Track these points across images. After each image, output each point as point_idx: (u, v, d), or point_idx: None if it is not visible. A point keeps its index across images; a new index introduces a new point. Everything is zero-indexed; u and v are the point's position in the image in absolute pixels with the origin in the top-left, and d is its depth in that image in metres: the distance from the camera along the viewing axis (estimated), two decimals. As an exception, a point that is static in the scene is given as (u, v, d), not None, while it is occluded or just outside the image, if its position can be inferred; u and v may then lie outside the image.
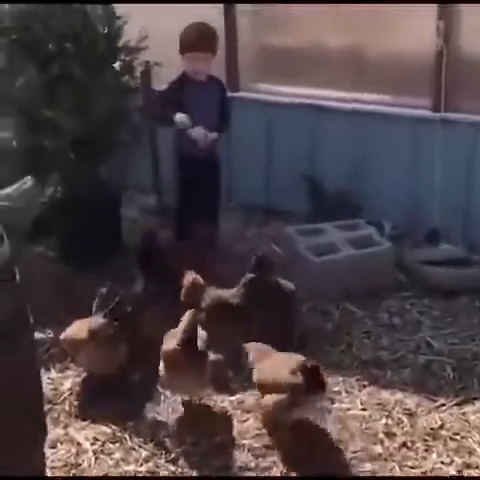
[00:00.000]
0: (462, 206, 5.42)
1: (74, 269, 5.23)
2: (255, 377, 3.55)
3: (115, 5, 5.02)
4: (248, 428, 3.60)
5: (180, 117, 4.78)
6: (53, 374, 4.16)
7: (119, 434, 3.60)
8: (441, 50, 5.21)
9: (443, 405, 3.71)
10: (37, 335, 4.25)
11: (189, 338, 3.49)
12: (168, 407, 3.77)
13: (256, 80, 6.19)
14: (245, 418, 3.67)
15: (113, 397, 3.81)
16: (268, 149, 6.11)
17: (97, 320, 3.85)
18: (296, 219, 5.85)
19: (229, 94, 5.98)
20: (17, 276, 2.24)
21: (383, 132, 5.61)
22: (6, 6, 4.72)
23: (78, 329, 3.90)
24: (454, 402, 3.73)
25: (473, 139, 5.26)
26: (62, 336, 3.98)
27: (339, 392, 3.84)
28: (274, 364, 3.48)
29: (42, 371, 3.70)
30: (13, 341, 2.18)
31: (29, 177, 4.74)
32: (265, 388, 3.46)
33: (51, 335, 4.50)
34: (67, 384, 4.06)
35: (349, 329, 4.43)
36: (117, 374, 3.88)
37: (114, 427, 3.65)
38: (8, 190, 4.68)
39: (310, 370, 3.28)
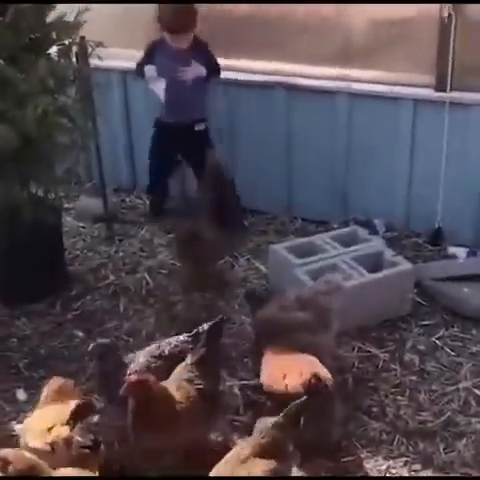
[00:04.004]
0: (472, 201, 4.57)
1: (7, 308, 4.22)
2: None
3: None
4: None
5: (149, 69, 4.80)
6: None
7: None
8: (449, 17, 4.29)
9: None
10: None
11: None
12: None
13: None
14: None
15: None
16: (231, 137, 5.11)
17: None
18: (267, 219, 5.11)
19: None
20: None
21: (376, 116, 4.71)
22: None
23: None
24: None
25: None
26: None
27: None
28: None
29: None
30: None
31: None
32: None
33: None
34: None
35: (375, 381, 3.53)
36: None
37: None
38: None
39: None
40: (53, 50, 3.87)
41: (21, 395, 3.53)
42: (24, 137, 3.71)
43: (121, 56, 5.11)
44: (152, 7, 4.83)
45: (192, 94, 4.84)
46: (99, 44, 4.11)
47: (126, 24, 4.99)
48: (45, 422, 2.87)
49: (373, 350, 3.74)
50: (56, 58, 3.86)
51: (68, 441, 2.71)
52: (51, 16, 3.94)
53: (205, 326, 3.13)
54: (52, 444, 2.74)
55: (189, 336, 3.24)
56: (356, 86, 4.72)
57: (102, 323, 4.07)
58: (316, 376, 2.91)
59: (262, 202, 5.11)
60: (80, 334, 4.00)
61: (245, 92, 5.01)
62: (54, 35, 3.93)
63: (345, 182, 4.93)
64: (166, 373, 3.04)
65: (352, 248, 4.16)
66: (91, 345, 3.13)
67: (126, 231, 5.02)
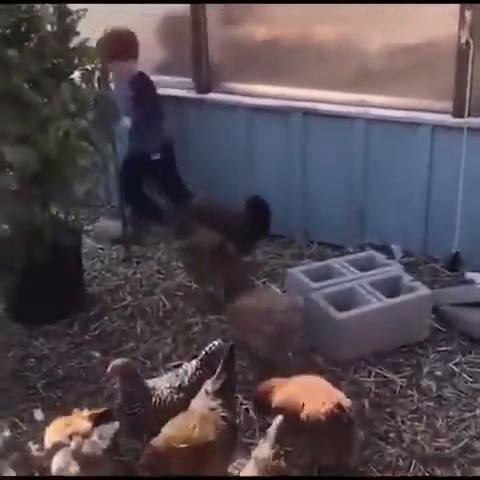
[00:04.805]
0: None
1: (26, 328, 4.25)
2: None
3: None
4: None
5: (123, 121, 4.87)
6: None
7: None
8: (467, 43, 4.32)
9: None
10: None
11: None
12: None
13: (231, 79, 5.21)
14: None
15: None
16: (247, 162, 5.13)
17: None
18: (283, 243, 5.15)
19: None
20: None
21: (393, 141, 4.71)
22: None
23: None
24: None
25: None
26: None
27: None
28: None
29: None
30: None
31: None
32: None
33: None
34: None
35: (391, 407, 3.52)
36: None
37: None
38: None
39: None
40: (76, 75, 3.93)
41: (38, 415, 3.54)
42: (46, 160, 3.76)
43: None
44: (172, 33, 4.92)
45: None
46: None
47: (146, 50, 5.06)
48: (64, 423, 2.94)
49: (390, 375, 3.73)
50: (78, 83, 3.91)
51: (87, 435, 2.77)
52: (74, 42, 4.01)
53: (212, 347, 3.22)
54: (71, 436, 2.77)
55: (200, 360, 3.25)
56: (374, 111, 4.74)
57: (119, 344, 4.09)
58: (339, 406, 2.90)
59: (278, 225, 5.10)
60: (97, 355, 4.02)
61: (263, 117, 5.05)
62: (76, 60, 4.00)
63: (362, 207, 4.94)
64: (187, 403, 3.03)
65: (370, 272, 4.15)
66: (111, 363, 3.13)
67: (144, 253, 5.06)
